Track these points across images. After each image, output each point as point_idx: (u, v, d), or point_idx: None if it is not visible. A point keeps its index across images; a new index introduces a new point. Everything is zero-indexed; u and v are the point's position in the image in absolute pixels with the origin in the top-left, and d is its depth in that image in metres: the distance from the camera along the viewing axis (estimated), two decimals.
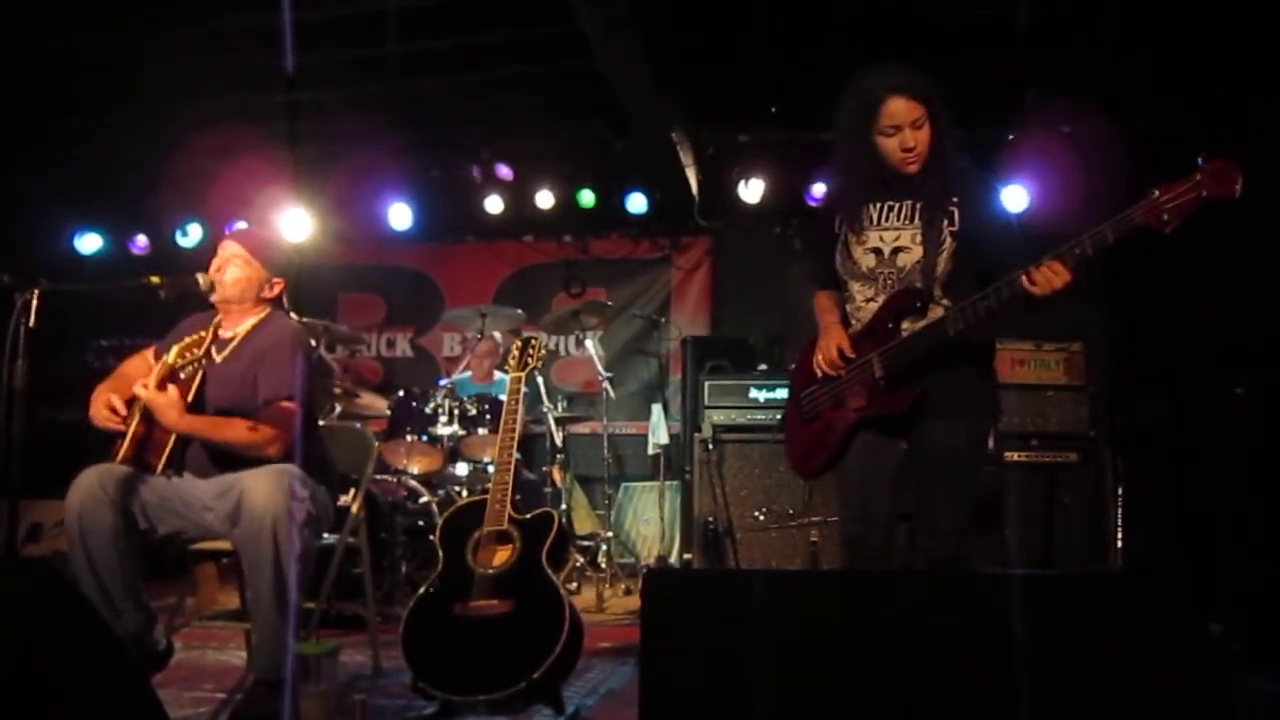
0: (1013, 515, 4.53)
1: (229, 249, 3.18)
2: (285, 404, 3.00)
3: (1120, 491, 4.53)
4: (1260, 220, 4.60)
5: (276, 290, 3.23)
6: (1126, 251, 5.50)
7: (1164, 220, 2.25)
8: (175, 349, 2.93)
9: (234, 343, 3.14)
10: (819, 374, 2.82)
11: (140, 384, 2.90)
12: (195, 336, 3.02)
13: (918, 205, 2.69)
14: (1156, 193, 2.25)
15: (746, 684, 1.70)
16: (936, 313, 2.67)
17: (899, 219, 2.72)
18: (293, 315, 3.37)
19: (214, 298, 3.15)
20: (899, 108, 2.61)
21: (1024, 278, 2.40)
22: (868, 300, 2.77)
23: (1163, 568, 4.49)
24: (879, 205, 2.75)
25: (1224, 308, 4.83)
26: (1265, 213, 4.55)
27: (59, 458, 3.21)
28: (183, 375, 2.90)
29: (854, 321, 2.81)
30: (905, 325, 2.68)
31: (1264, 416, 4.36)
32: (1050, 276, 2.37)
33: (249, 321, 3.18)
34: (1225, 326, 4.82)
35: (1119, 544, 4.48)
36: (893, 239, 2.71)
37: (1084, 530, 4.58)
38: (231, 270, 3.15)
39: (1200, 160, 2.21)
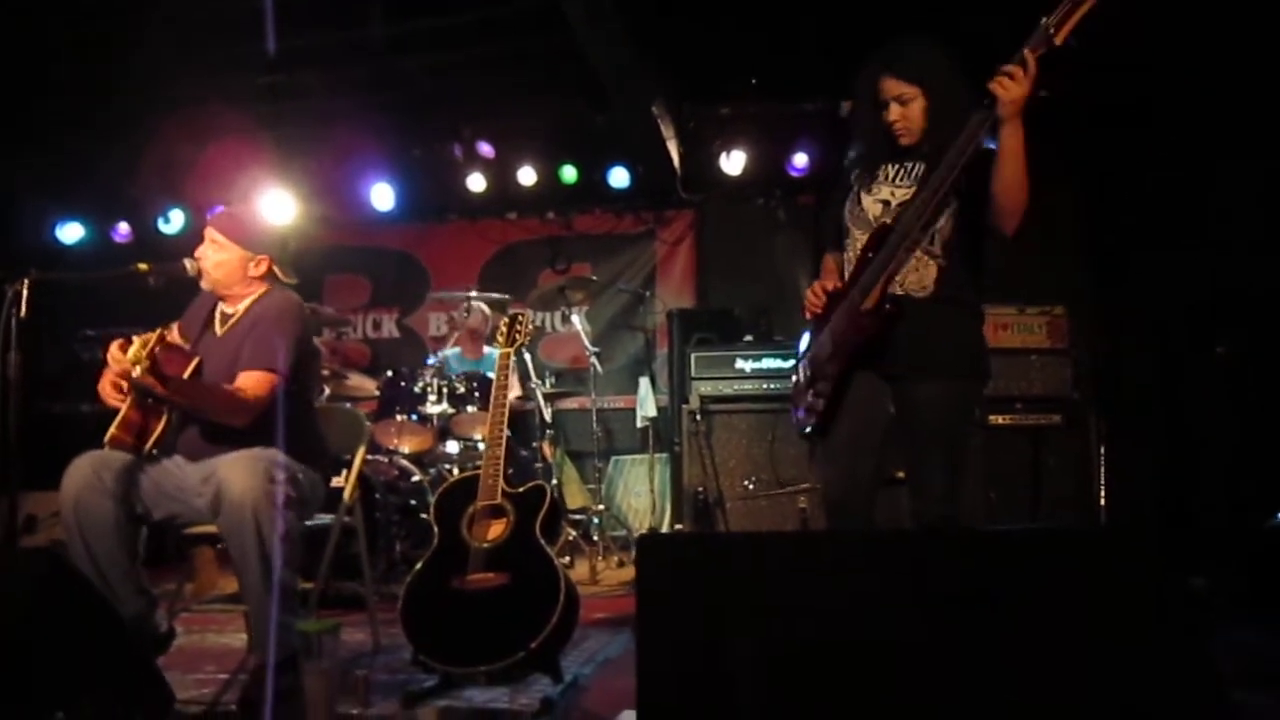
0: (998, 478, 4.59)
1: (208, 236, 3.22)
2: (260, 373, 3.01)
3: (1103, 451, 4.59)
4: (1236, 183, 4.67)
5: (263, 268, 3.25)
6: (1105, 214, 5.55)
7: (1052, 35, 2.46)
8: (132, 348, 2.90)
9: (234, 319, 3.20)
10: (821, 327, 2.88)
11: (134, 366, 2.88)
12: (144, 337, 2.98)
13: (929, 170, 2.74)
14: (1042, 19, 2.47)
15: (739, 644, 1.74)
16: (929, 268, 2.72)
17: (910, 179, 2.80)
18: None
19: (204, 284, 3.21)
20: (887, 85, 2.74)
21: (993, 85, 2.50)
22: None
23: (1144, 525, 4.56)
24: (896, 166, 2.83)
25: (1202, 268, 4.89)
26: (1240, 176, 4.63)
27: (51, 449, 3.23)
28: (135, 373, 2.83)
29: (849, 269, 2.87)
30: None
31: (1245, 373, 4.43)
32: (1008, 83, 2.49)
33: (249, 298, 3.23)
34: (1205, 287, 4.88)
35: (1103, 503, 4.54)
36: (902, 194, 2.79)
37: (1069, 491, 4.64)
38: (211, 255, 3.19)
39: None
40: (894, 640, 1.77)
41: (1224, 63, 4.47)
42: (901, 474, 2.86)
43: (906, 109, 2.73)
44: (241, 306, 3.21)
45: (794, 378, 3.07)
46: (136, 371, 2.79)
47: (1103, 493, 4.56)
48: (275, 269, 3.28)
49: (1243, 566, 3.94)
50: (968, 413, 2.86)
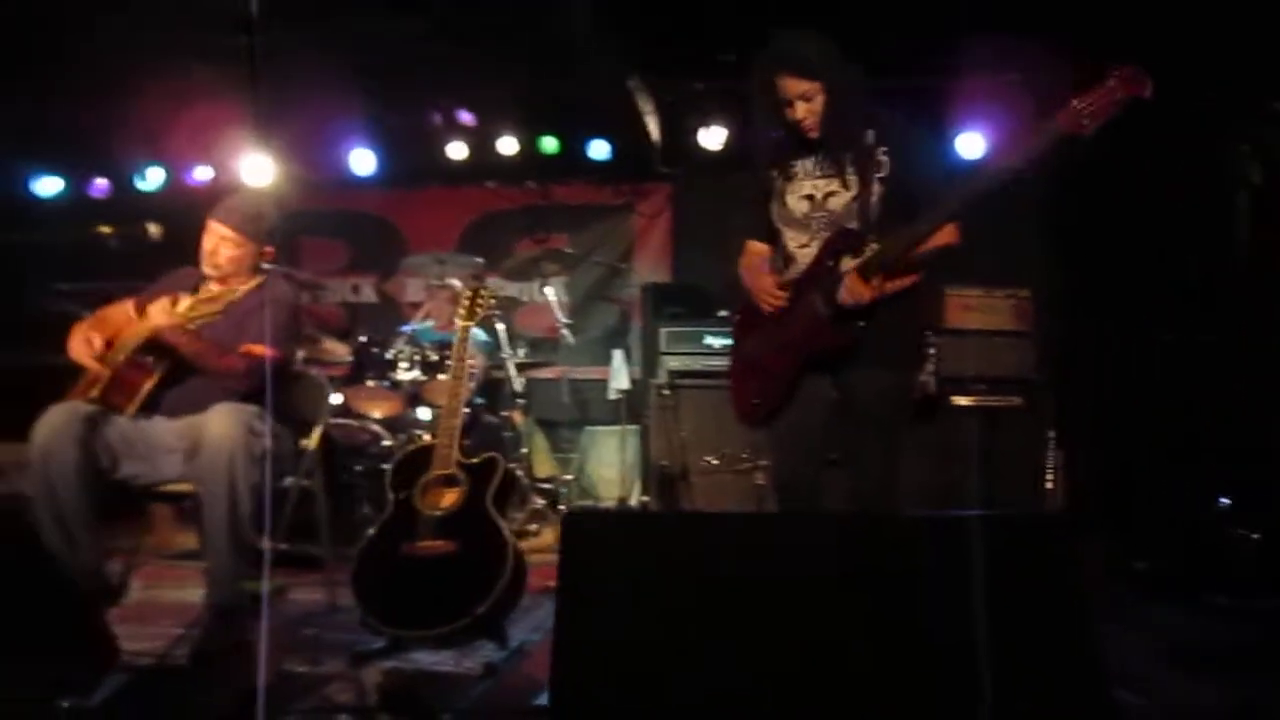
0: (957, 459, 4.65)
1: (218, 231, 3.31)
2: (261, 347, 3.18)
3: (1052, 435, 4.65)
4: (1195, 177, 4.72)
5: (269, 256, 3.40)
6: (1072, 203, 5.58)
7: (1083, 124, 2.38)
8: (187, 302, 3.08)
9: (234, 300, 3.27)
10: (763, 316, 2.92)
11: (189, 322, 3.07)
12: (210, 294, 3.19)
13: (844, 159, 2.82)
14: (1074, 102, 2.39)
15: (661, 622, 1.80)
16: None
17: (830, 169, 2.85)
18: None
19: (208, 270, 3.33)
20: (786, 84, 2.77)
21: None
22: (801, 246, 2.88)
23: (1080, 510, 4.64)
24: (810, 160, 2.88)
25: (1156, 258, 4.95)
26: (1199, 172, 4.67)
27: (17, 401, 3.28)
28: (191, 328, 3.09)
29: (791, 267, 2.91)
30: (845, 263, 2.77)
31: (1191, 362, 4.51)
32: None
33: (249, 285, 3.35)
34: (1158, 276, 4.95)
35: (1050, 485, 4.62)
36: (825, 186, 2.85)
37: (1027, 473, 4.70)
38: (224, 251, 3.30)
39: (1112, 69, 2.37)
40: (809, 618, 1.83)
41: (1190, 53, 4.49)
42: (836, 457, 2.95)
43: (812, 105, 2.77)
44: (240, 291, 3.30)
45: (731, 364, 3.10)
46: (193, 327, 3.05)
47: (1050, 475, 4.63)
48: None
49: (1182, 551, 4.05)
50: (905, 399, 2.93)
